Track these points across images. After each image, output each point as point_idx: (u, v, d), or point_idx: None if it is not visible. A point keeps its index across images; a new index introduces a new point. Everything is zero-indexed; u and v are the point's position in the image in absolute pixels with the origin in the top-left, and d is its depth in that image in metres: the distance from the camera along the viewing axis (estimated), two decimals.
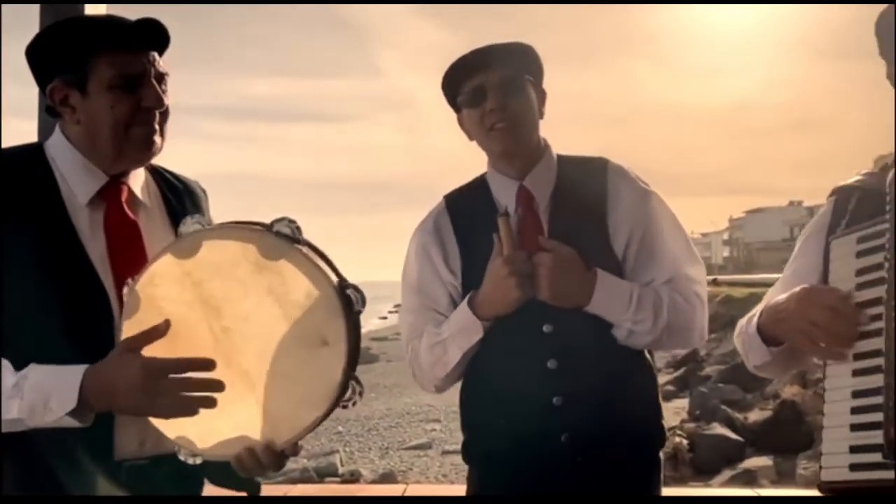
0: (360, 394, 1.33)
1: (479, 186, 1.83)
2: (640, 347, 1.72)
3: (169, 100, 1.48)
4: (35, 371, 1.29)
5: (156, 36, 1.45)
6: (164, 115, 1.47)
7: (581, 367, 1.64)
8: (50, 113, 1.47)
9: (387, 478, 10.31)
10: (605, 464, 1.65)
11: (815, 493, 1.31)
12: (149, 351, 1.27)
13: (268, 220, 1.33)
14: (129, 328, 1.30)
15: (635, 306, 1.64)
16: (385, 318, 48.67)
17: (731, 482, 9.10)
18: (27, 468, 1.35)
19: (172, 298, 1.29)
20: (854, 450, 1.21)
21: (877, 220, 1.26)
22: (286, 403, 1.30)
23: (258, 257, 1.28)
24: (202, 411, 1.28)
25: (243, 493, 1.47)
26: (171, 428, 1.32)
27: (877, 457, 1.17)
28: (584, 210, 1.72)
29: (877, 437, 1.17)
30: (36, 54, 1.45)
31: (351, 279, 1.36)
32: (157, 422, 1.31)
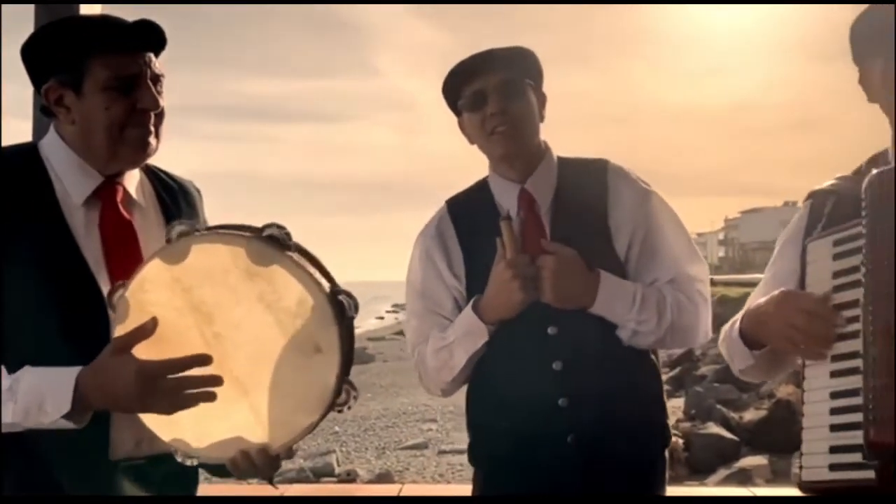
0: (355, 398, 1.33)
1: (480, 190, 1.84)
2: (645, 347, 1.73)
3: (164, 101, 1.48)
4: (29, 374, 1.29)
5: (152, 37, 1.45)
6: (160, 116, 1.46)
7: (586, 369, 1.65)
8: (45, 113, 1.47)
9: (383, 478, 10.30)
10: (611, 464, 1.66)
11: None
12: (141, 356, 1.26)
13: (265, 220, 1.33)
14: (119, 334, 1.30)
15: (639, 306, 1.65)
16: (382, 318, 48.64)
17: (727, 481, 9.12)
18: (23, 468, 1.35)
19: (163, 304, 1.28)
20: (834, 450, 1.23)
21: (852, 224, 1.28)
22: (280, 409, 1.30)
23: (248, 264, 1.27)
24: (197, 414, 1.28)
25: (243, 487, 1.47)
26: (166, 430, 1.32)
27: (856, 457, 1.18)
28: (585, 212, 1.73)
29: (856, 437, 1.19)
30: (31, 54, 1.45)
31: (348, 279, 1.36)
32: (151, 424, 1.32)
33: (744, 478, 9.07)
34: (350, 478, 10.30)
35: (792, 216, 1.59)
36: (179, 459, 1.33)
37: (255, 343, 1.29)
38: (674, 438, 10.59)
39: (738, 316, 1.52)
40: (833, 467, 1.23)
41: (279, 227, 1.31)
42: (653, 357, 1.77)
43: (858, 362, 1.22)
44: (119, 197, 1.47)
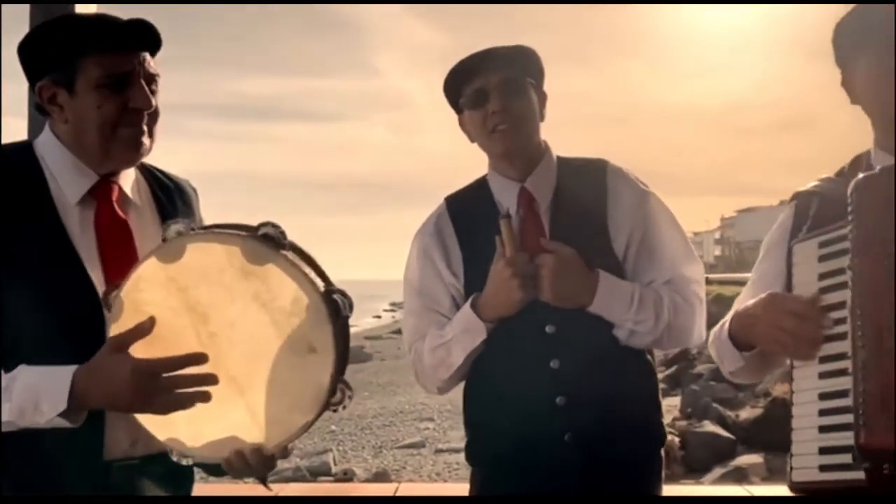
0: (350, 397, 1.33)
1: (479, 188, 1.84)
2: (641, 347, 1.74)
3: (158, 100, 1.47)
4: (24, 373, 1.28)
5: (145, 37, 1.44)
6: (154, 115, 1.46)
7: (583, 368, 1.65)
8: (39, 111, 1.47)
9: (380, 476, 10.30)
10: (608, 463, 1.67)
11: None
12: (136, 356, 1.26)
13: (262, 219, 1.33)
14: (114, 333, 1.29)
15: (637, 306, 1.66)
16: (379, 316, 48.66)
17: (723, 479, 9.15)
18: (18, 468, 1.34)
19: (158, 303, 1.28)
20: (823, 451, 1.24)
21: (837, 225, 1.29)
22: (275, 408, 1.30)
23: (243, 263, 1.27)
24: (192, 414, 1.28)
25: (239, 487, 1.47)
26: (161, 430, 1.32)
27: (846, 458, 1.19)
28: (584, 211, 1.74)
29: (845, 438, 1.19)
30: (26, 53, 1.45)
31: (345, 278, 1.36)
32: (147, 424, 1.31)
33: (740, 476, 9.10)
34: (347, 477, 10.29)
35: None
36: (175, 459, 1.33)
37: (250, 342, 1.29)
38: (670, 437, 10.61)
39: (727, 318, 1.53)
40: (823, 468, 1.24)
41: (274, 226, 1.30)
42: (648, 357, 1.78)
43: (847, 364, 1.22)
44: (114, 196, 1.47)
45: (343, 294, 1.32)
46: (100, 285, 1.38)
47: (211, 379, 1.26)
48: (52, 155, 1.45)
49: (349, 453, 12.04)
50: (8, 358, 1.30)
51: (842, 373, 1.23)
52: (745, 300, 1.50)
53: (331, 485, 8.04)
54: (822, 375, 1.28)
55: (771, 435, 9.93)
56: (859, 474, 1.17)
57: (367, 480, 9.99)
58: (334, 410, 1.33)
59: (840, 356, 1.24)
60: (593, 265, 1.67)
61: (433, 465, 11.07)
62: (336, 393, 1.31)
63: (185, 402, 1.27)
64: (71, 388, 1.26)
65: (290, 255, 1.30)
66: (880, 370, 1.16)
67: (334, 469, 10.77)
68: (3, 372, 1.29)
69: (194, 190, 1.67)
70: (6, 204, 1.37)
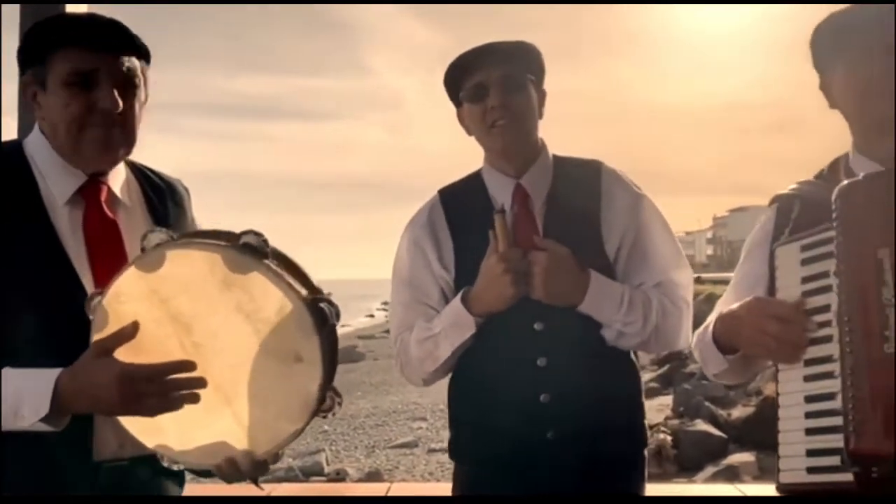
0: (339, 404, 1.32)
1: (474, 182, 1.84)
2: (628, 349, 1.75)
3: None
4: (7, 376, 1.27)
5: (113, 36, 1.42)
6: (127, 117, 1.43)
7: (569, 366, 1.66)
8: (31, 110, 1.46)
9: (373, 476, 10.27)
10: (590, 461, 1.67)
11: None
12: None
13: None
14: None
15: (626, 308, 1.66)
16: (372, 315, 48.54)
17: (715, 478, 9.17)
18: (3, 469, 1.33)
19: (141, 314, 1.27)
20: (811, 453, 1.25)
21: (819, 229, 1.30)
22: (263, 417, 1.29)
23: (225, 273, 1.25)
24: (180, 422, 1.27)
25: (232, 487, 1.47)
26: (149, 438, 1.31)
27: (833, 460, 1.20)
28: (578, 211, 1.75)
29: (832, 441, 1.21)
30: (19, 52, 1.45)
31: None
32: (135, 431, 1.30)
33: (732, 474, 9.11)
34: (339, 477, 10.26)
35: None
36: (165, 464, 1.33)
37: (234, 352, 1.27)
38: (662, 435, 10.66)
39: (710, 320, 1.53)
40: (811, 470, 1.25)
41: (256, 234, 1.28)
42: (633, 358, 1.79)
43: (831, 366, 1.24)
44: (103, 196, 1.46)
45: (330, 302, 1.30)
46: (89, 286, 1.37)
47: (199, 382, 1.25)
48: (41, 154, 1.44)
49: (342, 453, 12.01)
50: None
51: (827, 376, 1.24)
52: (727, 302, 1.51)
53: (323, 485, 8.03)
54: (808, 378, 1.28)
55: (763, 433, 9.94)
56: (847, 476, 1.18)
57: (360, 480, 9.97)
58: (324, 416, 1.33)
59: (825, 359, 1.26)
60: (585, 265, 1.67)
61: (426, 464, 11.06)
62: (325, 400, 1.30)
63: (174, 405, 1.25)
64: (54, 392, 1.24)
65: (273, 263, 1.28)
66: (868, 376, 1.17)
67: (327, 469, 10.74)
68: None
69: (186, 189, 1.66)
70: None
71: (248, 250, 1.27)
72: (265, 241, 1.28)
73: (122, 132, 1.44)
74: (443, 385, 1.86)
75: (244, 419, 1.29)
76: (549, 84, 1.84)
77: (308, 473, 10.26)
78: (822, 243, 1.29)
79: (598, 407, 1.66)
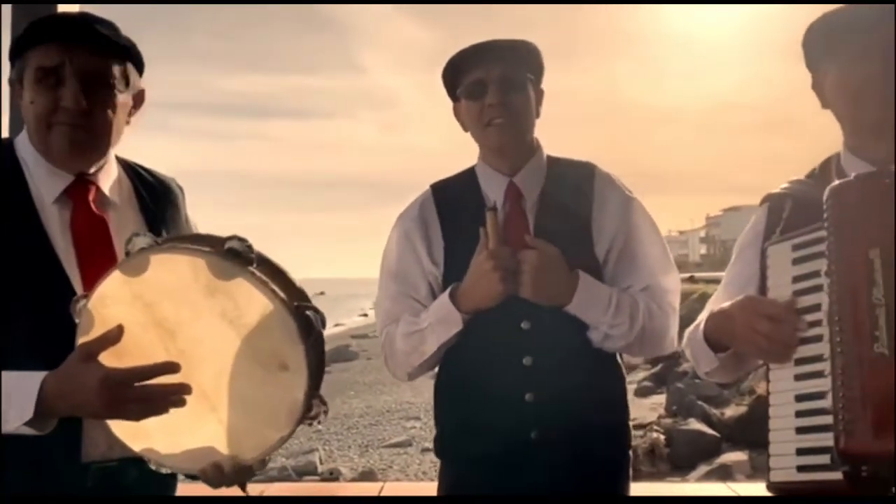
0: (325, 412, 1.31)
1: (467, 178, 1.84)
2: (614, 351, 1.75)
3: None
4: None
5: (80, 32, 1.39)
6: (96, 117, 1.41)
7: (555, 366, 1.66)
8: None
9: (366, 476, 10.27)
10: (573, 462, 1.68)
11: None
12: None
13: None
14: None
15: (614, 310, 1.67)
16: (365, 315, 48.50)
17: (708, 477, 9.20)
18: None
19: (125, 319, 1.26)
20: (801, 452, 1.26)
21: (811, 228, 1.30)
22: (249, 424, 1.28)
23: (209, 279, 1.24)
24: (167, 428, 1.26)
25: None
26: (136, 441, 1.30)
27: (823, 459, 1.21)
28: (569, 212, 1.75)
29: (822, 439, 1.21)
30: (9, 51, 1.44)
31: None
32: (122, 436, 1.29)
33: (724, 473, 9.15)
34: (333, 476, 10.25)
35: None
36: (153, 468, 1.32)
37: (220, 359, 1.26)
38: (655, 434, 10.69)
39: (701, 319, 1.54)
40: (801, 469, 1.25)
41: (240, 239, 1.27)
42: (618, 360, 1.80)
43: (822, 366, 1.24)
44: (91, 196, 1.45)
45: (315, 310, 1.28)
46: (78, 286, 1.36)
47: (183, 388, 1.24)
48: (29, 153, 1.43)
49: (335, 453, 12.00)
50: None
51: (818, 375, 1.25)
52: (719, 301, 1.51)
53: (315, 484, 8.02)
54: (798, 377, 1.29)
55: (755, 432, 9.98)
56: (837, 475, 1.18)
57: (354, 480, 9.97)
58: (309, 424, 1.31)
59: (816, 358, 1.26)
60: (573, 266, 1.67)
61: (419, 464, 11.06)
62: (312, 409, 1.29)
63: (158, 410, 1.24)
64: (39, 395, 1.23)
65: (257, 269, 1.26)
66: (858, 375, 1.18)
67: (320, 468, 10.73)
68: None
69: (181, 188, 1.65)
70: None
71: (233, 256, 1.25)
72: (250, 247, 1.27)
73: (88, 133, 1.41)
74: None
75: (230, 426, 1.28)
76: (542, 83, 1.84)
77: (301, 473, 10.25)
78: (813, 243, 1.30)
79: (583, 407, 1.66)
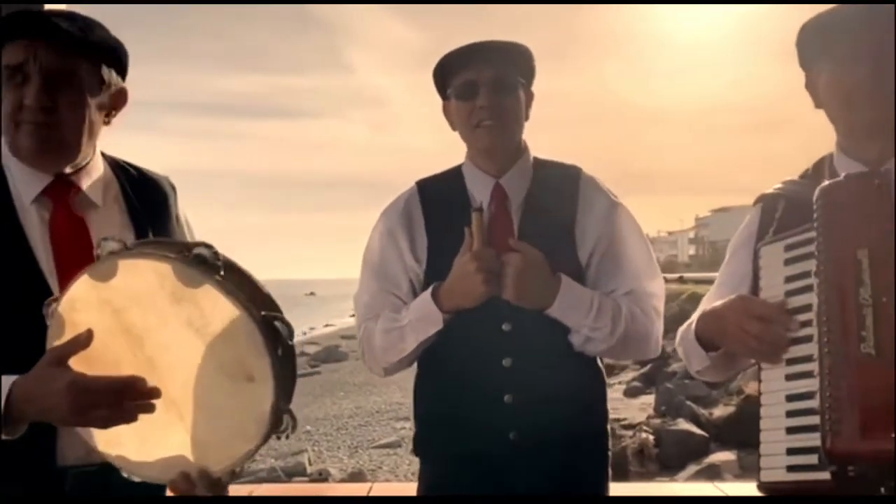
0: (294, 427, 1.28)
1: (453, 177, 1.83)
2: (595, 355, 1.76)
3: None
4: None
5: (42, 29, 1.37)
6: (62, 116, 1.38)
7: (534, 368, 1.67)
8: None
9: (356, 476, 10.25)
10: (552, 463, 1.68)
11: None
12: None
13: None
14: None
15: (595, 314, 1.67)
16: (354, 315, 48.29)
17: (697, 477, 9.23)
18: None
19: (94, 324, 1.24)
20: (791, 452, 1.26)
21: (803, 228, 1.31)
22: (217, 435, 1.26)
23: (175, 286, 1.22)
24: (138, 435, 1.24)
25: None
26: (107, 448, 1.28)
27: (812, 459, 1.21)
28: (554, 215, 1.75)
29: (812, 439, 1.21)
30: None
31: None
32: (95, 442, 1.28)
33: (713, 473, 9.18)
34: (322, 477, 10.22)
35: None
36: (125, 475, 1.30)
37: (187, 368, 1.24)
38: (644, 435, 10.72)
39: (694, 318, 1.54)
40: (791, 468, 1.26)
41: (207, 246, 1.25)
42: (599, 363, 1.81)
43: (812, 366, 1.24)
44: (71, 196, 1.43)
45: (283, 321, 1.25)
46: (55, 288, 1.34)
47: (154, 392, 1.22)
48: (8, 153, 1.42)
49: (325, 453, 11.96)
50: None
51: (808, 375, 1.25)
52: (711, 301, 1.52)
53: (303, 485, 8.00)
54: (789, 377, 1.29)
55: (744, 432, 10.03)
56: (825, 475, 1.19)
57: (343, 480, 9.94)
58: (278, 437, 1.29)
59: (806, 359, 1.26)
60: (556, 269, 1.68)
61: (409, 464, 11.04)
62: (282, 422, 1.26)
63: (126, 417, 1.22)
64: (7, 399, 1.21)
65: (225, 277, 1.24)
66: (846, 375, 1.18)
67: (309, 469, 10.69)
68: None
69: (173, 187, 1.63)
70: None
71: (200, 263, 1.23)
72: (216, 254, 1.24)
73: (54, 133, 1.39)
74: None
75: (198, 436, 1.26)
76: (533, 85, 1.84)
77: (290, 474, 10.21)
78: (805, 243, 1.30)
79: (562, 409, 1.67)
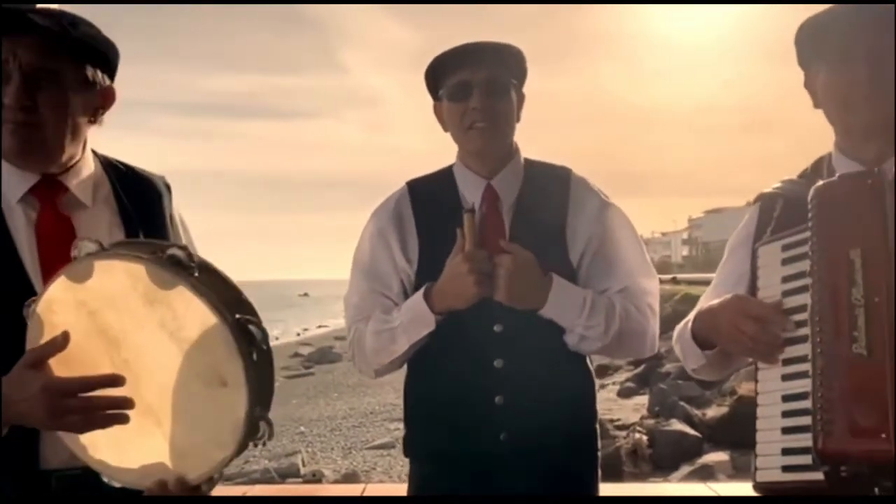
0: (270, 434, 1.25)
1: (444, 178, 1.83)
2: (591, 353, 1.76)
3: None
4: None
5: (16, 25, 1.34)
6: (42, 116, 1.36)
7: (525, 369, 1.67)
8: None
9: (349, 478, 10.22)
10: (542, 464, 1.69)
11: None
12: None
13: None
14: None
15: (588, 312, 1.67)
16: None
17: (690, 477, 9.24)
18: None
19: (71, 326, 1.22)
20: (786, 452, 1.26)
21: (800, 228, 1.31)
22: (193, 441, 1.24)
23: (148, 287, 1.19)
24: (116, 441, 1.23)
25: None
26: (87, 453, 1.27)
27: (808, 459, 1.21)
28: (545, 216, 1.75)
29: (807, 440, 1.22)
30: None
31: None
32: (74, 447, 1.27)
33: (706, 474, 9.19)
34: (316, 478, 10.20)
35: None
36: (106, 480, 1.29)
37: (162, 371, 1.22)
38: (638, 435, 10.73)
39: (691, 316, 1.55)
40: (786, 469, 1.26)
41: (181, 247, 1.23)
42: (588, 363, 1.81)
43: (807, 366, 1.25)
44: (58, 196, 1.42)
45: (258, 325, 1.22)
46: (40, 288, 1.33)
47: (126, 402, 1.20)
48: None
49: (318, 455, 11.93)
50: None
51: (804, 375, 1.25)
52: (709, 299, 1.52)
53: (297, 486, 7.98)
54: (785, 377, 1.30)
55: (737, 433, 10.04)
56: (820, 475, 1.19)
57: (337, 482, 9.91)
58: (255, 445, 1.26)
59: (802, 359, 1.27)
60: (548, 269, 1.68)
61: (403, 465, 10.99)
62: (258, 430, 1.23)
63: (102, 423, 1.20)
64: None
65: (198, 279, 1.21)
66: (837, 376, 1.18)
67: (303, 471, 10.66)
68: None
69: (168, 187, 1.62)
70: None
71: (173, 264, 1.20)
72: (191, 255, 1.22)
73: (35, 132, 1.37)
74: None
75: (174, 442, 1.24)
76: (525, 85, 1.84)
77: (284, 475, 10.18)
78: (802, 243, 1.30)
79: (552, 411, 1.67)
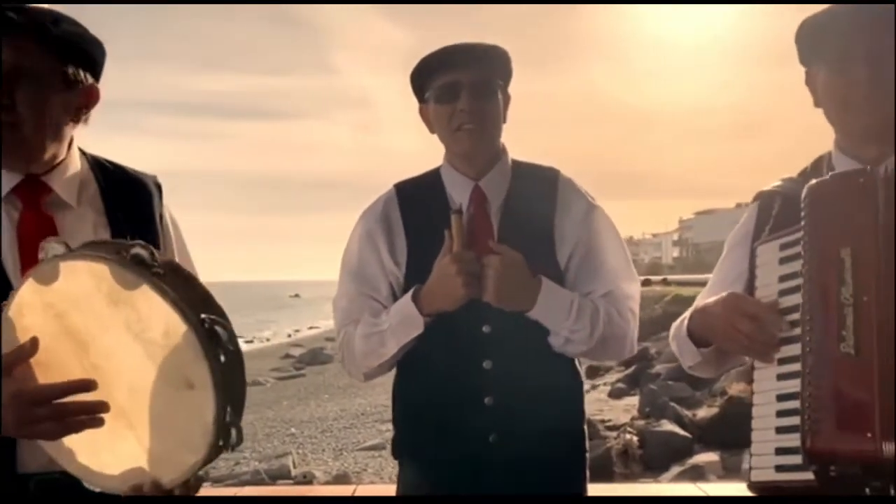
0: (239, 439, 1.21)
1: (432, 180, 1.83)
2: (574, 356, 1.77)
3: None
4: None
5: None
6: (19, 115, 1.34)
7: (514, 370, 1.67)
8: None
9: (340, 479, 10.20)
10: (531, 464, 1.69)
11: None
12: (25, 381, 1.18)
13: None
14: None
15: (575, 316, 1.68)
16: None
17: (680, 478, 9.27)
18: None
19: (40, 330, 1.21)
20: (780, 451, 1.26)
21: (797, 227, 1.30)
22: (164, 445, 1.21)
23: (112, 288, 1.17)
24: (92, 445, 1.21)
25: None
26: (65, 459, 1.25)
27: (799, 458, 1.21)
28: (533, 217, 1.76)
29: (798, 439, 1.21)
30: None
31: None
32: (51, 451, 1.25)
33: (696, 474, 9.22)
34: (306, 480, 10.17)
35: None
36: (86, 485, 1.27)
37: (131, 374, 1.20)
38: (628, 436, 10.75)
39: (687, 314, 1.55)
40: (779, 468, 1.26)
41: (144, 246, 1.19)
42: (577, 364, 1.82)
43: (800, 365, 1.24)
44: (41, 197, 1.40)
45: (224, 325, 1.19)
46: None
47: (101, 406, 1.18)
48: None
49: (309, 456, 11.90)
50: None
51: (797, 374, 1.25)
52: (706, 298, 1.51)
53: (288, 487, 7.96)
54: (780, 377, 1.29)
55: (727, 433, 10.08)
56: (811, 475, 1.19)
57: (328, 483, 9.90)
58: (226, 450, 1.22)
59: (796, 358, 1.26)
60: (535, 271, 1.68)
61: (394, 467, 10.92)
62: (230, 434, 1.20)
63: (71, 429, 1.18)
64: None
65: (164, 278, 1.19)
66: (826, 375, 1.19)
67: (294, 472, 10.63)
68: None
69: (158, 186, 1.60)
70: None
71: (136, 263, 1.17)
72: (154, 255, 1.19)
73: (13, 131, 1.35)
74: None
75: (147, 446, 1.22)
76: (515, 86, 1.84)
77: (274, 477, 10.15)
78: (797, 242, 1.30)
79: (541, 411, 1.67)
